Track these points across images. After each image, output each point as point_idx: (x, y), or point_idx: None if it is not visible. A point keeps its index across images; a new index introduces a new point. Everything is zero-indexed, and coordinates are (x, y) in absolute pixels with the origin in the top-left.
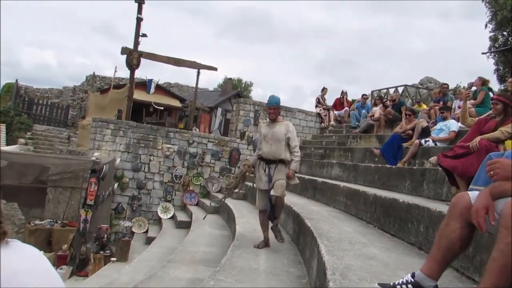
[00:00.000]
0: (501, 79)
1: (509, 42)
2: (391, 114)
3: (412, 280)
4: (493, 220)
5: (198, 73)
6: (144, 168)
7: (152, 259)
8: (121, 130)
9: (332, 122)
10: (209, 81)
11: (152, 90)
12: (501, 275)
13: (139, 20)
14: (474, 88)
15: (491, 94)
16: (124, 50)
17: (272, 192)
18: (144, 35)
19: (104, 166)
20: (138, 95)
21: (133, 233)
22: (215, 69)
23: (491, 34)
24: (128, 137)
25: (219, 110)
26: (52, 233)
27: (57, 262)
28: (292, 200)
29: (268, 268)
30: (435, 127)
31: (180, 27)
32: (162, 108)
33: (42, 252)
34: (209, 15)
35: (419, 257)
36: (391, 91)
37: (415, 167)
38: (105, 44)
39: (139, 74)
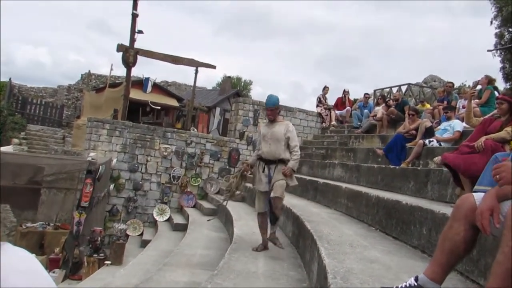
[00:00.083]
0: (507, 77)
1: None
2: (394, 114)
3: (415, 283)
4: (497, 223)
5: (196, 71)
6: (141, 169)
7: (147, 262)
8: (117, 130)
9: (334, 122)
10: (208, 79)
11: (149, 89)
12: (506, 279)
13: (134, 16)
14: (479, 87)
15: (496, 94)
16: (120, 47)
17: (271, 194)
18: (140, 32)
19: (100, 166)
20: (135, 94)
21: (127, 236)
22: (213, 67)
23: (497, 30)
24: (124, 137)
25: (218, 109)
26: (44, 236)
27: (50, 265)
28: (292, 201)
29: (267, 272)
30: (439, 127)
31: (177, 24)
32: (159, 107)
33: (34, 255)
34: (207, 11)
35: (422, 260)
36: (394, 90)
37: (419, 168)
38: (101, 41)
39: (136, 72)
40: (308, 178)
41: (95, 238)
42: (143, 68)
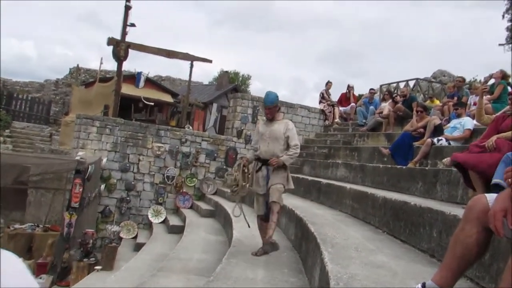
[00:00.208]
0: None
1: None
2: (401, 111)
3: None
4: (511, 224)
5: (192, 65)
6: (133, 169)
7: (141, 267)
8: (107, 127)
9: (337, 119)
10: (204, 74)
11: (142, 83)
12: None
13: (127, 8)
14: (492, 81)
15: (509, 89)
16: (111, 41)
17: (269, 198)
18: (133, 25)
19: (90, 166)
20: (126, 89)
21: (121, 238)
22: (209, 61)
23: (509, 24)
24: (115, 135)
25: (215, 106)
26: (33, 238)
27: (37, 270)
28: (294, 202)
29: (266, 278)
30: (448, 124)
31: (172, 16)
32: (153, 103)
33: (21, 259)
34: (203, 2)
35: (431, 266)
36: (402, 85)
37: (427, 168)
38: (90, 34)
39: (127, 66)
40: (310, 178)
41: (87, 241)
42: (136, 62)
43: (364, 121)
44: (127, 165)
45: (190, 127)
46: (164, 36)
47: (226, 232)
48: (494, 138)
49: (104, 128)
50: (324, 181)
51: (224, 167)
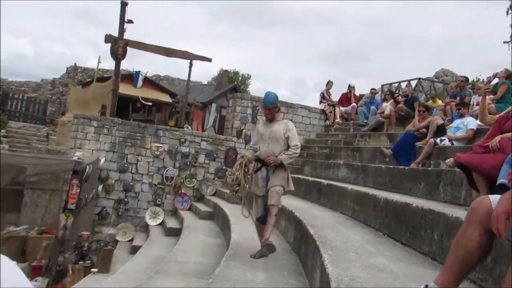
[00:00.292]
0: None
1: None
2: (403, 111)
3: None
4: None
5: (191, 64)
6: (131, 169)
7: (137, 270)
8: (105, 127)
9: (338, 119)
10: (203, 73)
11: (140, 83)
12: None
13: (123, 5)
14: (495, 81)
15: None
16: (108, 38)
17: (268, 200)
18: (130, 21)
19: (87, 166)
20: (124, 89)
21: (117, 241)
22: (209, 60)
23: None
24: (113, 135)
25: (214, 106)
26: (27, 241)
27: (32, 273)
28: (294, 204)
29: (266, 280)
30: (451, 125)
31: (170, 13)
32: (151, 103)
33: (15, 262)
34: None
35: (432, 268)
36: (403, 85)
37: (429, 168)
38: (87, 32)
39: (125, 65)
40: (311, 179)
41: (82, 244)
42: (134, 61)
43: (365, 121)
44: (125, 165)
45: (189, 127)
46: (162, 35)
47: (224, 234)
48: (498, 138)
49: (101, 128)
50: (325, 181)
51: (224, 167)
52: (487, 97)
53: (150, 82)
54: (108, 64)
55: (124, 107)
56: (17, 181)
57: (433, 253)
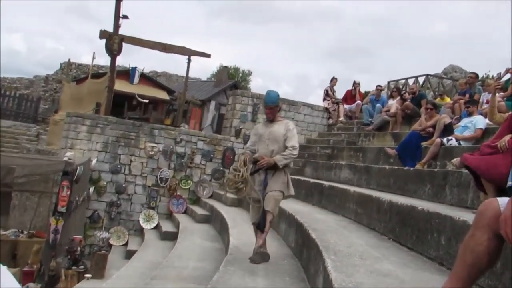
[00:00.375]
0: None
1: None
2: (409, 109)
3: None
4: None
5: (189, 60)
6: (124, 170)
7: (133, 275)
8: (98, 126)
9: (342, 118)
10: (202, 70)
11: (136, 79)
12: None
13: (118, 0)
14: (508, 76)
15: None
16: (103, 34)
17: (264, 206)
18: (125, 17)
19: (78, 167)
20: (120, 86)
21: (110, 245)
22: (208, 55)
23: None
24: (106, 135)
25: (212, 103)
26: (17, 245)
27: (23, 278)
28: (295, 207)
29: (267, 287)
30: (459, 124)
31: (167, 7)
32: (147, 101)
33: (5, 267)
34: None
35: (440, 274)
36: (410, 81)
37: (436, 170)
38: (82, 27)
39: (121, 61)
40: (312, 180)
41: (74, 248)
42: (130, 57)
43: (370, 119)
44: (118, 166)
45: (186, 126)
46: (159, 31)
47: (223, 238)
48: (507, 138)
49: (94, 127)
50: (326, 183)
51: (221, 168)
52: (497, 94)
53: (147, 79)
54: (104, 60)
55: (120, 105)
56: (4, 182)
57: (440, 258)
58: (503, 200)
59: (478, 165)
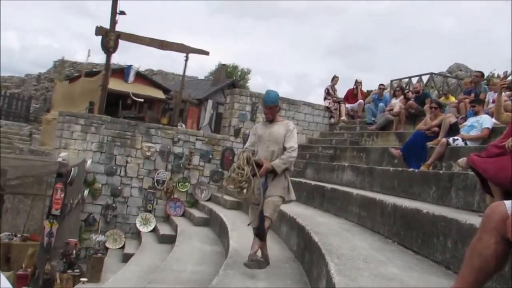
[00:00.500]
0: None
1: None
2: (413, 108)
3: None
4: None
5: (187, 58)
6: (120, 172)
7: (130, 279)
8: (92, 126)
9: (344, 117)
10: (199, 68)
11: (131, 78)
12: None
13: None
14: None
15: None
16: (99, 30)
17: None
18: (122, 13)
19: (72, 169)
20: (114, 85)
21: (107, 248)
22: (206, 53)
23: None
24: (101, 134)
25: (210, 102)
26: (11, 249)
27: (17, 282)
28: (296, 210)
29: None
30: (465, 123)
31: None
32: (142, 100)
33: None
34: None
35: (446, 278)
36: (414, 80)
37: (441, 171)
38: (77, 24)
39: (117, 59)
40: (313, 183)
41: (70, 252)
42: (126, 54)
43: (373, 119)
44: (114, 167)
45: (183, 125)
46: (156, 27)
47: (222, 241)
48: None
49: (89, 126)
50: (328, 186)
51: (220, 170)
52: (503, 93)
53: (143, 77)
54: (98, 57)
55: (114, 104)
56: None
57: (446, 262)
58: (510, 203)
59: (486, 168)
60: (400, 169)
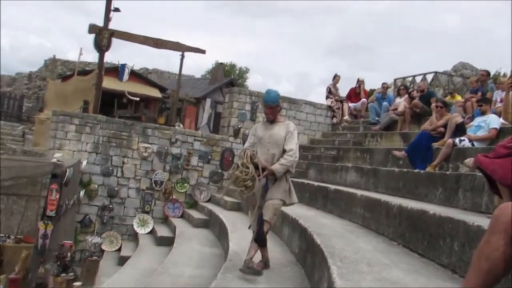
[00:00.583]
0: None
1: None
2: (418, 107)
3: None
4: None
5: (183, 56)
6: (117, 173)
7: (126, 283)
8: (87, 125)
9: (347, 117)
10: (196, 66)
11: (126, 77)
12: None
13: None
14: None
15: None
16: (92, 28)
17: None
18: (117, 10)
19: (67, 169)
20: (109, 83)
21: (103, 251)
22: (203, 51)
23: None
24: (96, 134)
25: (208, 101)
26: (4, 251)
27: (10, 286)
28: (298, 211)
29: None
30: (471, 123)
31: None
32: (138, 99)
33: None
34: None
35: (452, 281)
36: (418, 79)
37: (448, 172)
38: (68, 21)
39: (110, 58)
40: (316, 184)
41: (64, 254)
42: (119, 53)
43: (376, 118)
44: (110, 168)
45: (181, 125)
46: (151, 25)
47: (222, 244)
48: None
49: (84, 126)
50: (332, 187)
51: (219, 170)
52: (511, 92)
53: (137, 76)
54: (91, 56)
55: (109, 103)
56: None
57: (453, 265)
58: None
59: (494, 169)
60: (406, 170)
